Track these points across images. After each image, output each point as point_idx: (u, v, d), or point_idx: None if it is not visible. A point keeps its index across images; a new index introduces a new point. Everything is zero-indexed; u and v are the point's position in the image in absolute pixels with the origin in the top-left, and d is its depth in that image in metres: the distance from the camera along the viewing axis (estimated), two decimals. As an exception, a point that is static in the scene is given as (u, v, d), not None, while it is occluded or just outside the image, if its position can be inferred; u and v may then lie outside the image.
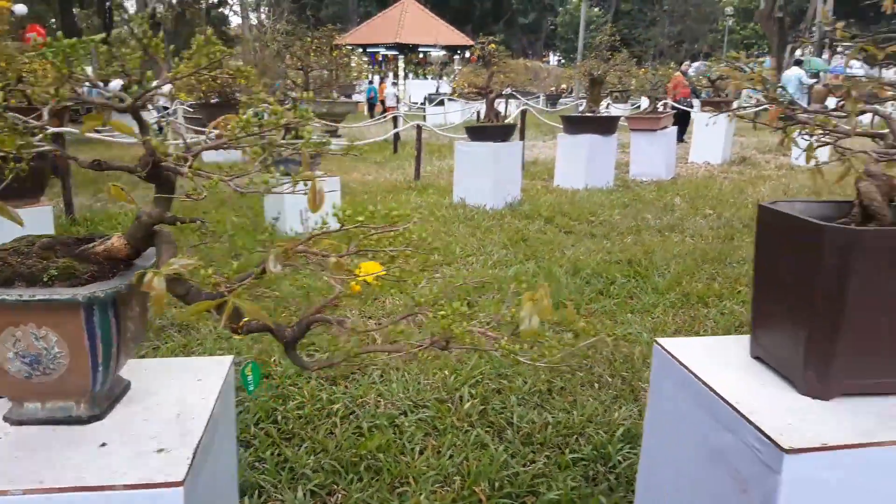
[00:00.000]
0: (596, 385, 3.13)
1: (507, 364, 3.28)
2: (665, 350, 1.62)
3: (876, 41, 1.47)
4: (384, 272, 1.49)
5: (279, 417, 2.82)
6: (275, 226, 6.09)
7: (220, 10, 51.56)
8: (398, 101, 22.10)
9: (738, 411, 1.31)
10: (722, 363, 1.54)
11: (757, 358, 1.55)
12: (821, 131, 1.45)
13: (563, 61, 50.78)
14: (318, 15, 49.39)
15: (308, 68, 6.17)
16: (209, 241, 1.51)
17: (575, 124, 8.56)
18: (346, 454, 2.51)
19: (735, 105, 15.20)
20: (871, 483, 1.25)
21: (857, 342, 1.31)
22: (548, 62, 51.62)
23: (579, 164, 8.49)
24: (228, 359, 1.59)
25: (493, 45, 6.89)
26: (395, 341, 3.05)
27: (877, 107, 1.46)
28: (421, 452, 2.54)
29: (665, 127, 9.52)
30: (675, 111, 14.02)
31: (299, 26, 14.43)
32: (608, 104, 15.23)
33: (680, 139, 13.02)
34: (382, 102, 22.90)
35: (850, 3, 44.07)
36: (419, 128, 9.30)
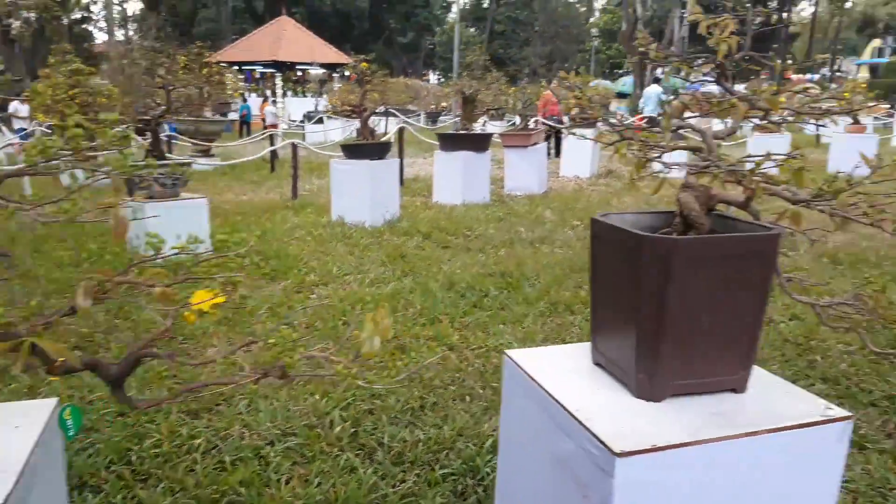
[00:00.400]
0: (468, 398, 3.16)
1: (380, 383, 3.25)
2: (513, 361, 1.65)
3: (687, 61, 1.58)
4: (223, 299, 1.42)
5: (134, 458, 2.64)
6: (137, 251, 5.75)
7: (83, 26, 48.59)
8: (277, 118, 21.66)
9: (575, 418, 1.35)
10: (565, 371, 1.59)
11: (598, 364, 1.61)
12: (645, 147, 1.54)
13: (442, 80, 51.72)
14: (192, 31, 47.70)
15: (170, 87, 5.89)
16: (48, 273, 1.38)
17: (450, 141, 8.70)
18: (206, 491, 2.38)
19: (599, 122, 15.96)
20: (700, 480, 1.32)
21: (681, 345, 1.39)
22: (428, 80, 52.36)
23: (456, 180, 8.63)
24: (51, 402, 1.46)
25: (365, 64, 6.89)
26: (263, 369, 2.94)
27: (691, 122, 1.56)
28: (287, 482, 2.45)
29: (536, 143, 9.86)
30: (547, 128, 14.60)
31: (168, 43, 13.84)
32: (485, 122, 15.59)
33: (557, 154, 13.59)
34: (263, 120, 22.38)
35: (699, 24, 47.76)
36: (294, 146, 9.13)
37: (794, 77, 37.31)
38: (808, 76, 36.46)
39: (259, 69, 30.38)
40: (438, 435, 2.78)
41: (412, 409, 3.03)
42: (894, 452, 2.62)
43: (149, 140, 6.13)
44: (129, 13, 59.29)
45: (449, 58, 47.67)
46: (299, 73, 30.49)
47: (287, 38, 28.46)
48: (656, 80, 17.26)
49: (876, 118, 20.93)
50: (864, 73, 48.00)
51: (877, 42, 59.13)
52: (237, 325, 4.15)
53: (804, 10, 58.63)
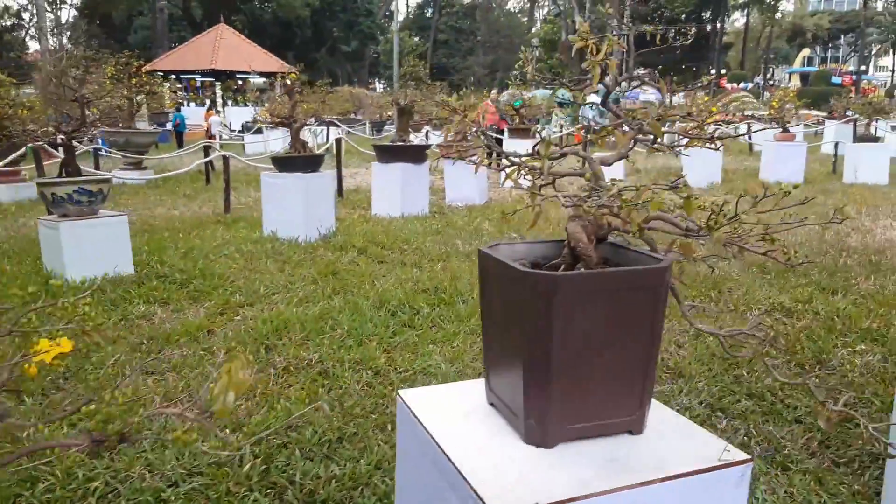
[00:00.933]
0: (389, 426, 3.04)
1: (295, 413, 3.10)
2: (405, 403, 1.54)
3: (565, 82, 1.52)
4: (69, 348, 1.26)
5: (24, 504, 2.44)
6: (51, 275, 5.45)
7: (14, 34, 46.81)
8: (222, 127, 21.18)
9: (459, 472, 1.25)
10: (457, 414, 1.48)
11: (492, 405, 1.52)
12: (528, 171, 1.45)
13: (388, 88, 51.57)
14: (127, 39, 46.47)
15: (84, 99, 5.60)
16: None
17: (387, 153, 8.58)
18: (95, 543, 2.20)
19: (543, 129, 16.11)
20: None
21: (571, 386, 1.30)
22: (374, 89, 52.16)
23: (394, 192, 8.51)
24: None
25: (293, 75, 6.72)
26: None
27: (577, 149, 1.48)
28: (186, 529, 2.29)
29: (475, 154, 9.81)
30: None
31: (100, 52, 13.33)
32: (427, 131, 15.50)
33: (498, 165, 13.58)
34: (208, 130, 21.90)
35: (638, 35, 48.92)
36: (226, 158, 8.86)
37: (729, 86, 38.60)
38: (742, 84, 37.77)
39: (198, 78, 29.69)
40: (354, 469, 2.65)
41: (329, 442, 2.89)
42: (817, 473, 2.60)
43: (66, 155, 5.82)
44: (63, 20, 57.51)
45: (393, 66, 47.68)
46: (240, 82, 29.93)
47: (225, 47, 27.92)
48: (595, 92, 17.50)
49: (807, 125, 21.68)
50: (796, 82, 50.01)
51: (806, 51, 61.72)
52: (152, 353, 3.94)
53: (737, 21, 60.75)
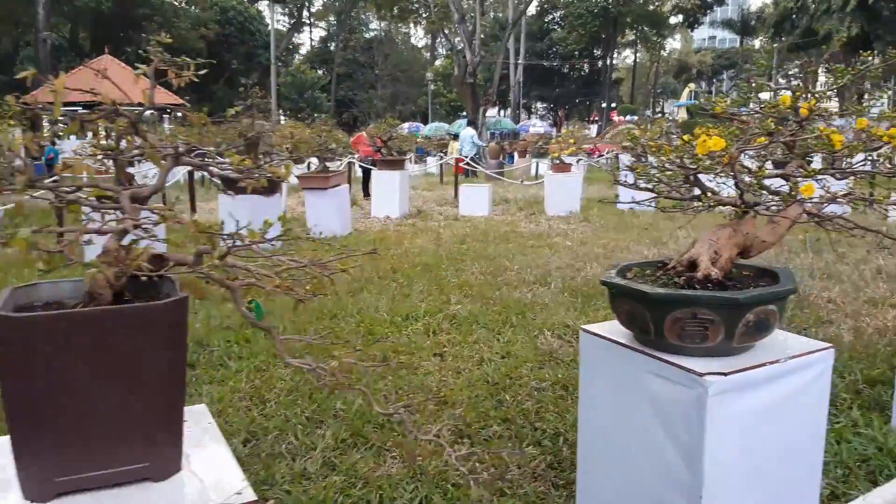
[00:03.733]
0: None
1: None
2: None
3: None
4: None
5: None
6: None
7: None
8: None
9: None
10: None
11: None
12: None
13: (288, 119, 50.97)
14: (13, 71, 44.03)
15: None
16: None
17: (234, 185, 8.36)
18: None
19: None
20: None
21: (59, 435, 1.21)
22: (279, 121, 51.36)
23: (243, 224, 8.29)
24: None
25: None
26: None
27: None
28: None
29: (337, 185, 9.78)
30: (362, 168, 14.62)
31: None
32: (308, 164, 15.35)
33: (366, 195, 13.67)
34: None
35: (535, 70, 50.77)
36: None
37: (617, 119, 40.41)
38: (628, 117, 39.64)
39: (80, 110, 28.44)
40: None
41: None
42: (533, 497, 2.61)
43: None
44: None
45: (294, 98, 47.36)
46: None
47: (109, 78, 26.87)
48: (470, 124, 17.88)
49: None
50: (683, 114, 52.83)
51: (692, 86, 65.65)
52: None
53: (628, 58, 64.02)
